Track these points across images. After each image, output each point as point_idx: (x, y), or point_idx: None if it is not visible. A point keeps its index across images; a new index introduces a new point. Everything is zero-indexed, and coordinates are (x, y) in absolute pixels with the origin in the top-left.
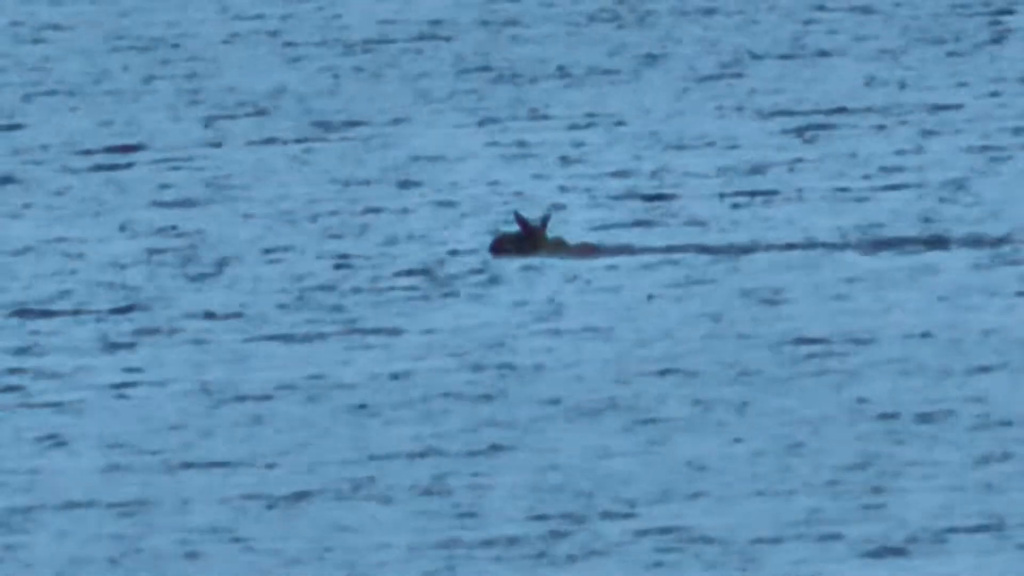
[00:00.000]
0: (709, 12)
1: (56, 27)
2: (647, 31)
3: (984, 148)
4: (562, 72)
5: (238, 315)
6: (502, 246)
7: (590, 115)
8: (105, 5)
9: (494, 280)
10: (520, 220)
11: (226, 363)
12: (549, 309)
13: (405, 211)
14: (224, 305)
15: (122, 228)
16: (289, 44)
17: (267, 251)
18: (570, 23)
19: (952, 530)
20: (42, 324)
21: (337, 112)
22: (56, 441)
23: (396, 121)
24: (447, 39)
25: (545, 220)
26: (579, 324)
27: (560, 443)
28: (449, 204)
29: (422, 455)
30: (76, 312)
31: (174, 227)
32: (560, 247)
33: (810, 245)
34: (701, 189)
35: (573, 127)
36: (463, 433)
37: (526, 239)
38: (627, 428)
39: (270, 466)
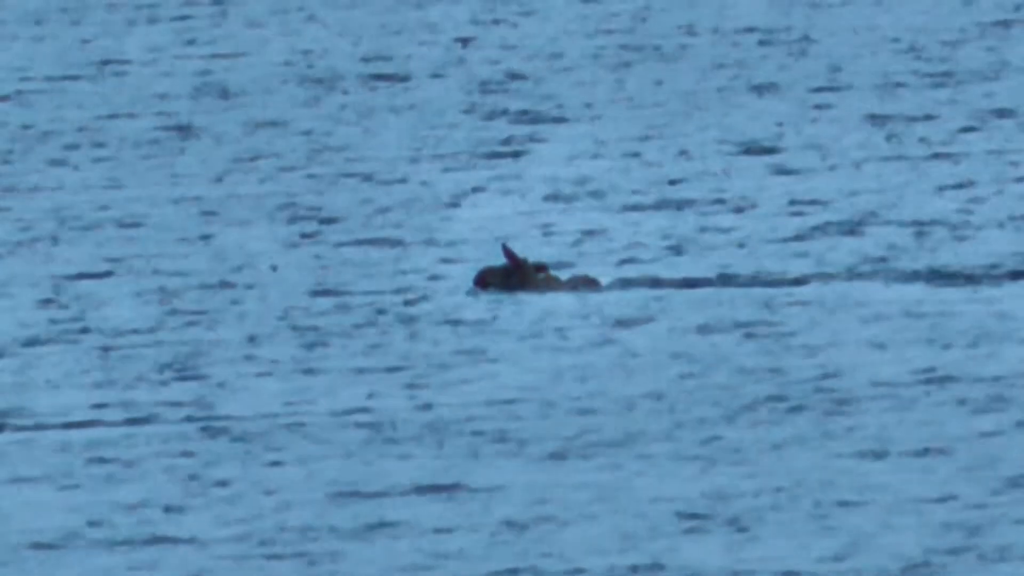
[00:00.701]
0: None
1: None
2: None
3: None
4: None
5: None
6: (487, 280)
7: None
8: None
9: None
10: (507, 253)
11: None
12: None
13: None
14: None
15: None
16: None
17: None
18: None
19: None
20: None
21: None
22: None
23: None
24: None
25: (508, 252)
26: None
27: None
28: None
29: None
30: None
31: None
32: (551, 282)
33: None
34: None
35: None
36: None
37: (513, 273)
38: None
39: None
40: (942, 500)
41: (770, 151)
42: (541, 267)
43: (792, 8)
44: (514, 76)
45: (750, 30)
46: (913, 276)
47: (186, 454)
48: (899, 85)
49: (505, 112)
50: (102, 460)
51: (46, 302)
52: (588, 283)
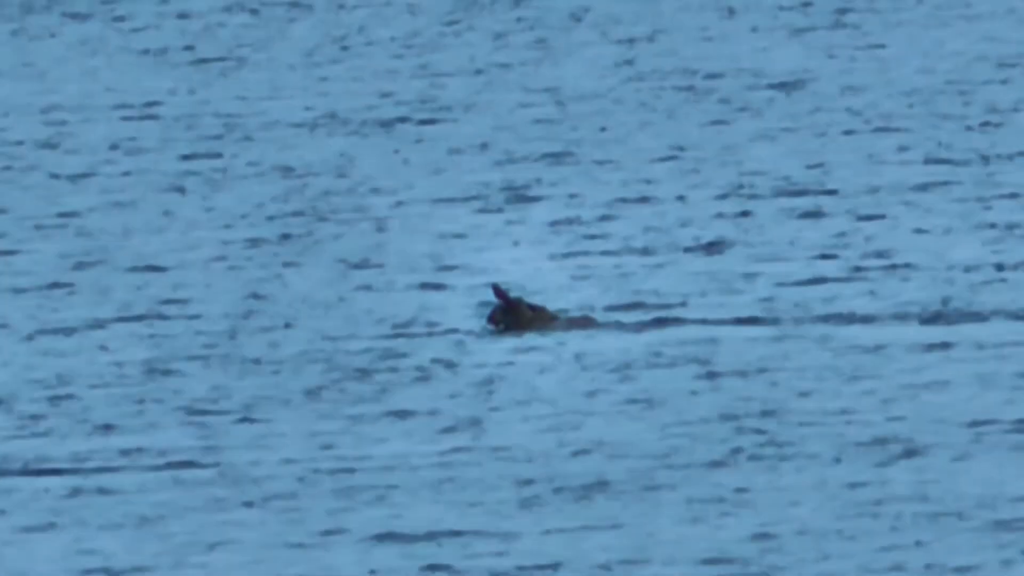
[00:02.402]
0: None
1: None
2: None
3: None
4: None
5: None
6: (496, 318)
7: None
8: None
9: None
10: (497, 292)
11: None
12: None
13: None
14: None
15: None
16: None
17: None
18: None
19: None
20: None
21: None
22: None
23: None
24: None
25: (498, 291)
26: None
27: None
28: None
29: None
30: None
31: None
32: (549, 320)
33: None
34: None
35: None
36: None
37: (510, 311)
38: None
39: None
40: None
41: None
42: (536, 308)
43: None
44: (538, 119)
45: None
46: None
47: None
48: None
49: (523, 154)
50: None
51: None
52: (584, 322)
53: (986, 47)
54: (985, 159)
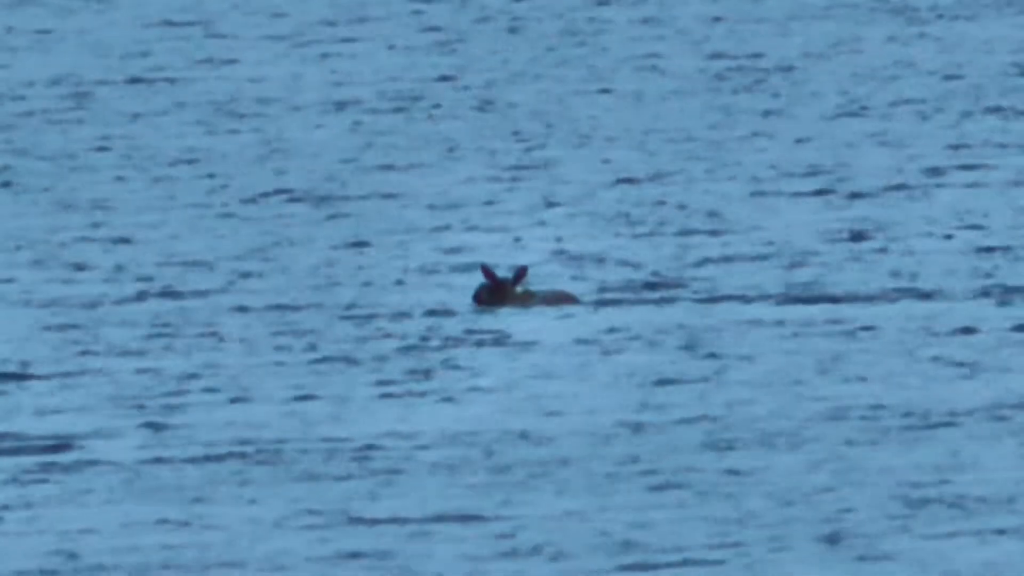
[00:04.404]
0: None
1: None
2: None
3: None
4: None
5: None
6: (481, 296)
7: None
8: None
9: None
10: (486, 272)
11: None
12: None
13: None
14: None
15: None
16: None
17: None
18: None
19: None
20: None
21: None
22: None
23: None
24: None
25: (518, 274)
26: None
27: None
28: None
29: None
30: None
31: None
32: (529, 298)
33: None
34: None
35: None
36: None
37: (496, 290)
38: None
39: None
40: None
41: None
42: (521, 272)
43: None
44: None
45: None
46: None
47: None
48: None
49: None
50: None
51: None
52: (565, 298)
53: None
54: None
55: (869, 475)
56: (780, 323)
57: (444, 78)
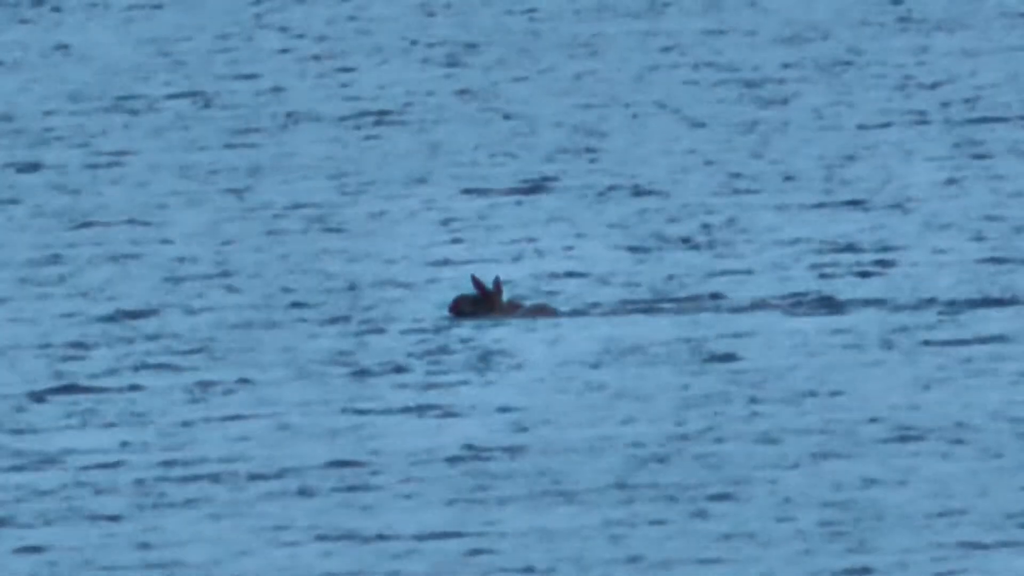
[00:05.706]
0: None
1: None
2: None
3: None
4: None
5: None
6: (461, 308)
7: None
8: None
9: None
10: (476, 283)
11: None
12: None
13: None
14: None
15: None
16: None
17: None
18: None
19: None
20: None
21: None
22: None
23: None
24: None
25: (497, 283)
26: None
27: None
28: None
29: None
30: None
31: None
32: (515, 309)
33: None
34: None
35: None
36: None
37: (483, 301)
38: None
39: None
40: None
41: None
42: (498, 283)
43: None
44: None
45: None
46: None
47: None
48: None
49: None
50: None
51: None
52: (545, 311)
53: None
54: None
55: (859, 483)
56: (779, 333)
57: (451, 90)
